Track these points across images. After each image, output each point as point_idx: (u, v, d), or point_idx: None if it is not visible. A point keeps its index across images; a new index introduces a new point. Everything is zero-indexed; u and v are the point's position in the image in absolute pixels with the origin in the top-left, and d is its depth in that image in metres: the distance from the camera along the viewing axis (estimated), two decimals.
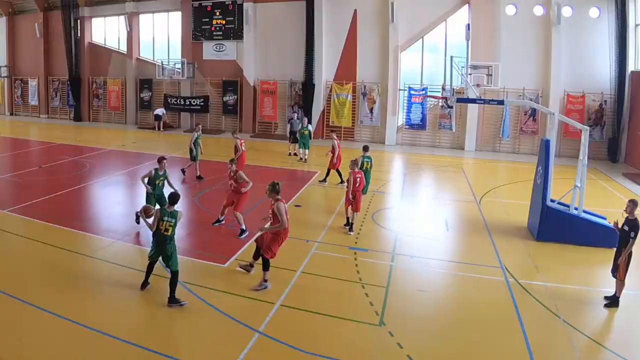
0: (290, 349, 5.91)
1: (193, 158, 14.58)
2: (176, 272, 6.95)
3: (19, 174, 14.77)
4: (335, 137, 14.92)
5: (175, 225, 6.94)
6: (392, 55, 21.99)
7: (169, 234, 6.89)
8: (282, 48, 24.12)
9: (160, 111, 25.74)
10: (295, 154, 18.97)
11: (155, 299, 7.17)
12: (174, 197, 7.14)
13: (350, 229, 10.18)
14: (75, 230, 9.82)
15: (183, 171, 14.79)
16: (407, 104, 22.36)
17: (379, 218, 11.37)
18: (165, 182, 10.11)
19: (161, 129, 25.38)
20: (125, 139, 23.07)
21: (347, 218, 10.39)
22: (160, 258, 7.06)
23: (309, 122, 19.53)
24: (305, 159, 17.85)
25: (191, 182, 14.30)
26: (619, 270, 7.12)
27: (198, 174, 14.58)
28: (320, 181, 14.57)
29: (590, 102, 19.86)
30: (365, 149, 12.08)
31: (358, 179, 10.25)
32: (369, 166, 11.74)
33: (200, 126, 15.74)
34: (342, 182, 14.11)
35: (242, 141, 14.55)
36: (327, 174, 14.54)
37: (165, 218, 6.87)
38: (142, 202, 13.02)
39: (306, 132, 17.64)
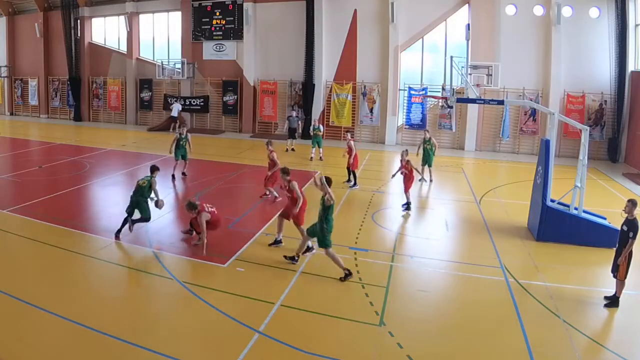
0: (290, 349, 5.91)
1: (176, 157, 14.52)
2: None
3: (19, 174, 14.76)
4: (350, 137, 14.94)
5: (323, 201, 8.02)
6: (392, 55, 22.00)
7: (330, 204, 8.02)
8: (282, 48, 24.14)
9: (176, 109, 24.53)
10: (293, 150, 19.55)
11: (154, 299, 7.18)
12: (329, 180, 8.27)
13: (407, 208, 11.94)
14: (75, 230, 9.82)
15: (183, 174, 14.76)
16: (407, 104, 22.37)
17: (379, 218, 11.37)
18: None
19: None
20: (126, 139, 23.07)
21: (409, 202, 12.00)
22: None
23: (320, 123, 19.79)
24: (321, 158, 18.19)
25: (189, 182, 14.31)
26: (619, 270, 7.12)
27: (173, 172, 14.51)
28: (351, 186, 13.99)
29: (590, 102, 19.86)
30: (427, 131, 15.51)
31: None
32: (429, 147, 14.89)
33: (183, 129, 14.91)
34: (349, 180, 14.21)
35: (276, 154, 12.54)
36: (353, 175, 14.17)
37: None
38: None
39: (319, 133, 18.13)
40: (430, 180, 15.11)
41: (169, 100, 26.21)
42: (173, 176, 14.50)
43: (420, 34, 22.06)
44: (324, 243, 7.92)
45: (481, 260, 8.93)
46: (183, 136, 14.63)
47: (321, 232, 7.92)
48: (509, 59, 19.82)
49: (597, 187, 15.04)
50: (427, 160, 14.91)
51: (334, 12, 22.92)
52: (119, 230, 9.39)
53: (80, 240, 9.38)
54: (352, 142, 14.28)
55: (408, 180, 11.92)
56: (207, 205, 9.00)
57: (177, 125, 24.72)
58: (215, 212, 9.05)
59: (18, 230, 9.79)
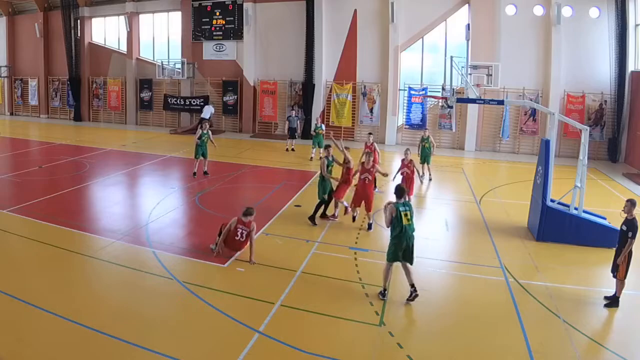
0: (290, 349, 5.91)
1: (195, 155, 14.77)
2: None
3: (19, 174, 14.76)
4: (372, 139, 14.33)
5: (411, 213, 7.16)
6: (392, 55, 22.00)
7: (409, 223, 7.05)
8: (282, 48, 24.15)
9: (208, 112, 23.54)
10: (293, 150, 19.68)
11: (154, 299, 7.18)
12: (401, 191, 7.26)
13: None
14: (75, 230, 9.82)
15: (205, 173, 14.81)
16: (407, 104, 22.38)
17: (379, 218, 11.34)
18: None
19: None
20: (126, 139, 23.08)
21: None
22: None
23: (322, 122, 19.89)
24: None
25: (193, 180, 14.30)
26: (619, 270, 7.13)
27: (195, 170, 14.72)
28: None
29: (590, 102, 19.87)
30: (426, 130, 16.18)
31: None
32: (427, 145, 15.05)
33: (205, 124, 15.37)
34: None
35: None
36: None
37: (401, 209, 7.04)
38: (139, 201, 13.08)
39: (321, 132, 18.12)
40: (430, 179, 15.12)
41: (169, 100, 26.22)
42: (194, 174, 14.59)
43: (420, 34, 22.06)
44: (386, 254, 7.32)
45: (481, 260, 8.93)
46: (204, 132, 14.64)
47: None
48: (509, 59, 19.81)
49: (597, 187, 15.04)
50: (425, 158, 15.05)
51: (334, 12, 22.93)
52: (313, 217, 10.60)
53: (80, 240, 9.38)
54: (375, 144, 14.11)
55: (410, 184, 11.75)
56: (243, 227, 8.47)
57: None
58: (240, 237, 8.48)
59: (18, 230, 9.80)
